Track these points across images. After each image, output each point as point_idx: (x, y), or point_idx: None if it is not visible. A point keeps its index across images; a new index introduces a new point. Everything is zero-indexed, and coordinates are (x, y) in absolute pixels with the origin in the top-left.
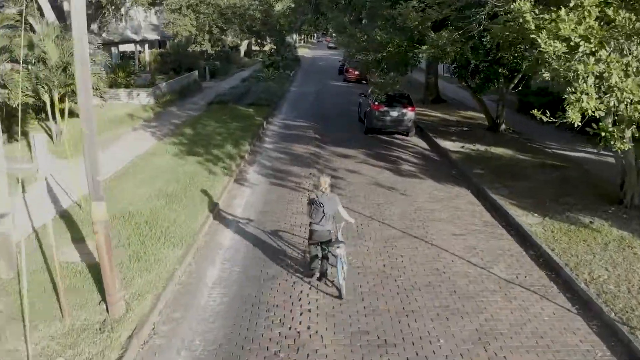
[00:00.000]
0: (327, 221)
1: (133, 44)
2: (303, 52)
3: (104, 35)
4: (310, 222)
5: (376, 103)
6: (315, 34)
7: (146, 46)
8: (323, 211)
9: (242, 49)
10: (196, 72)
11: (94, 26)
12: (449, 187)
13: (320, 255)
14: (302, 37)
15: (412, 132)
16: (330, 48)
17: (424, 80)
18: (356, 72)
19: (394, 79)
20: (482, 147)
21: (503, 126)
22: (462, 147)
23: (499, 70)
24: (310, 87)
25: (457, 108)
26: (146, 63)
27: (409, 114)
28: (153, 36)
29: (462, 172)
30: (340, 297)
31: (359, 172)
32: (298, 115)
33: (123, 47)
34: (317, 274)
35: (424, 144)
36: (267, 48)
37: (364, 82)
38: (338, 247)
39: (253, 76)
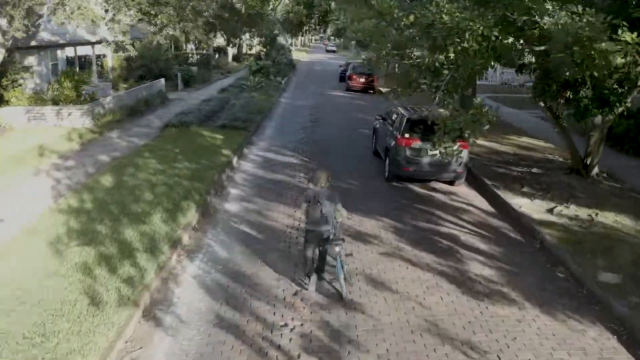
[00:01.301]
0: (325, 221)
1: (91, 47)
2: (298, 56)
3: (43, 35)
4: (306, 222)
5: (406, 135)
6: (312, 37)
7: (108, 49)
8: (321, 210)
9: (231, 51)
10: (162, 81)
11: (2, 21)
12: (573, 326)
13: (311, 256)
14: (296, 38)
15: (462, 180)
16: (328, 51)
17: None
18: (361, 80)
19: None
20: (581, 211)
21: (596, 169)
22: (551, 210)
23: (613, 85)
24: (305, 99)
25: (503, 129)
26: (109, 69)
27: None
28: (119, 37)
29: (576, 275)
30: (342, 299)
31: (388, 285)
32: (285, 145)
33: (82, 51)
34: (314, 284)
35: (482, 202)
36: (256, 50)
37: (371, 91)
38: (337, 244)
39: (235, 85)
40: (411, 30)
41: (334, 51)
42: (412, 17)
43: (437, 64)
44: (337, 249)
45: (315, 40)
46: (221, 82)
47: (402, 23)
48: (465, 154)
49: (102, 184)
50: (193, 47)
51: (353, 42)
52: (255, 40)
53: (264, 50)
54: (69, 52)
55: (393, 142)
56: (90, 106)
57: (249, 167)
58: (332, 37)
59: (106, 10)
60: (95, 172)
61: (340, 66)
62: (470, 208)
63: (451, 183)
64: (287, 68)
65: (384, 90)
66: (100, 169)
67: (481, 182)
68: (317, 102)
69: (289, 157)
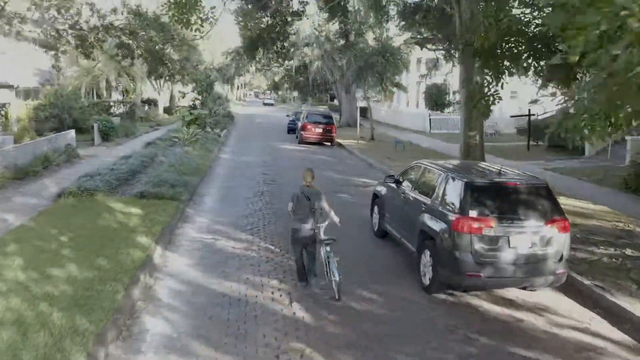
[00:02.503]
0: (311, 218)
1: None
2: (235, 109)
3: None
4: (293, 220)
5: (472, 215)
6: (246, 91)
7: (12, 94)
8: (309, 206)
9: (162, 102)
10: (72, 133)
11: None
12: None
13: (300, 256)
14: (231, 92)
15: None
16: (266, 104)
17: (462, 140)
18: (317, 130)
19: None
20: None
21: None
22: None
23: None
24: (252, 155)
25: None
26: (11, 121)
27: (558, 237)
28: (27, 82)
29: None
30: (337, 299)
31: None
32: (236, 222)
33: None
34: (311, 281)
35: (601, 323)
36: (187, 100)
37: (328, 143)
38: (328, 243)
39: (165, 138)
40: None
41: (271, 104)
42: None
43: None
44: (327, 248)
45: (250, 95)
46: (149, 136)
47: None
48: (567, 241)
49: None
50: (119, 97)
51: (294, 94)
52: (189, 88)
53: (199, 98)
54: None
55: (442, 227)
56: None
57: (183, 267)
58: (268, 90)
59: None
60: None
61: (288, 116)
62: (598, 342)
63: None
64: (225, 120)
65: (347, 142)
66: None
67: (571, 278)
68: (267, 157)
69: (245, 242)
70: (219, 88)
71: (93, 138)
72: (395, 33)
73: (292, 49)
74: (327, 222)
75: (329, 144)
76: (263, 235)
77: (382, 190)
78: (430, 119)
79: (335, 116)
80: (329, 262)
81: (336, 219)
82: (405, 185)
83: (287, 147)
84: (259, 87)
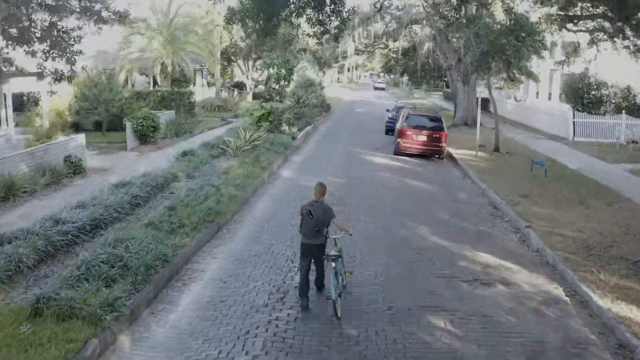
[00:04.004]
0: (319, 234)
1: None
2: (340, 93)
3: None
4: (301, 235)
5: None
6: (360, 73)
7: (46, 82)
8: (315, 223)
9: (250, 86)
10: (78, 139)
11: None
12: None
13: (306, 271)
14: (342, 74)
15: None
16: (376, 89)
17: None
18: (421, 138)
19: None
20: None
21: None
22: None
23: None
24: (325, 172)
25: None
26: (42, 114)
27: None
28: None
29: None
30: (336, 316)
31: None
32: None
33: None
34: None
35: None
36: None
37: (437, 156)
38: (333, 259)
39: (214, 144)
40: None
41: (382, 89)
42: None
43: None
44: (332, 264)
45: (365, 76)
46: (208, 134)
47: None
48: None
49: None
50: (205, 80)
51: (405, 78)
52: (258, 74)
53: (276, 87)
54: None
55: None
56: None
57: None
58: (381, 73)
59: None
60: None
61: (388, 110)
62: None
63: None
64: (315, 111)
65: (462, 154)
66: None
67: None
68: (342, 180)
69: None
70: (310, 72)
71: (134, 140)
72: (529, 7)
73: (397, 26)
74: (340, 235)
75: (437, 157)
76: None
77: None
78: (574, 123)
79: (449, 109)
80: (332, 277)
81: (350, 232)
82: None
83: (378, 159)
84: (373, 69)
